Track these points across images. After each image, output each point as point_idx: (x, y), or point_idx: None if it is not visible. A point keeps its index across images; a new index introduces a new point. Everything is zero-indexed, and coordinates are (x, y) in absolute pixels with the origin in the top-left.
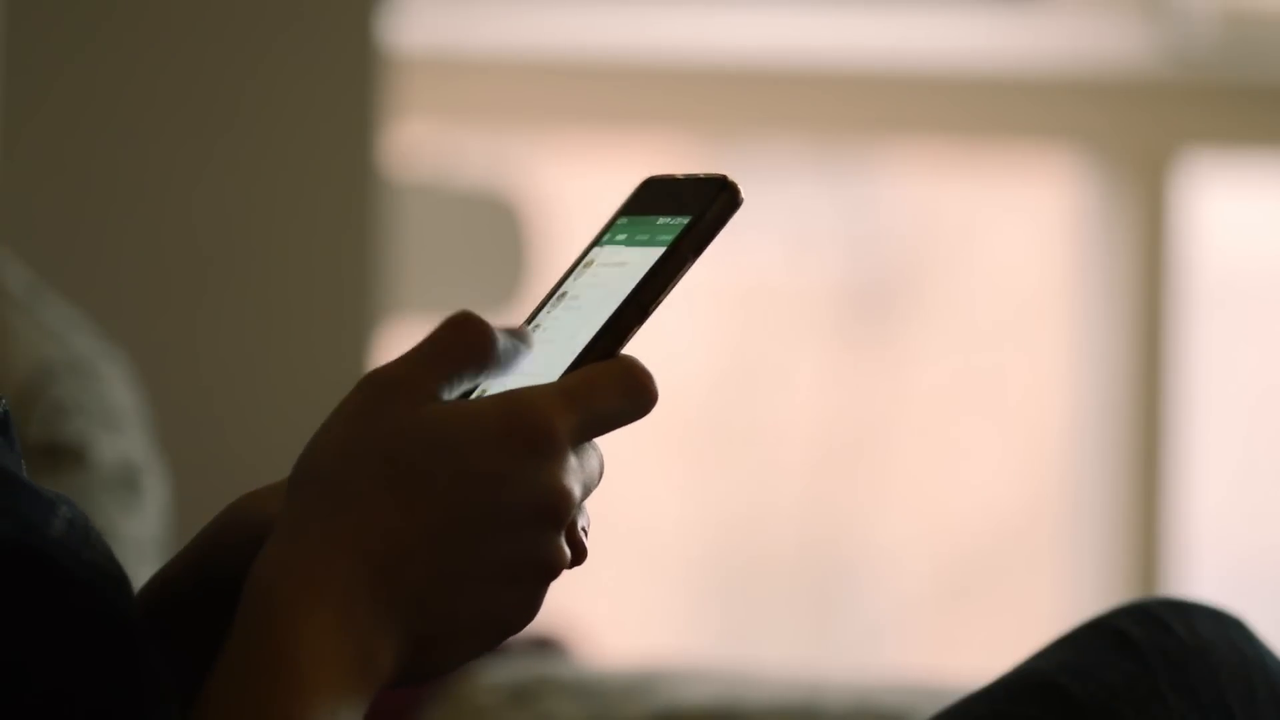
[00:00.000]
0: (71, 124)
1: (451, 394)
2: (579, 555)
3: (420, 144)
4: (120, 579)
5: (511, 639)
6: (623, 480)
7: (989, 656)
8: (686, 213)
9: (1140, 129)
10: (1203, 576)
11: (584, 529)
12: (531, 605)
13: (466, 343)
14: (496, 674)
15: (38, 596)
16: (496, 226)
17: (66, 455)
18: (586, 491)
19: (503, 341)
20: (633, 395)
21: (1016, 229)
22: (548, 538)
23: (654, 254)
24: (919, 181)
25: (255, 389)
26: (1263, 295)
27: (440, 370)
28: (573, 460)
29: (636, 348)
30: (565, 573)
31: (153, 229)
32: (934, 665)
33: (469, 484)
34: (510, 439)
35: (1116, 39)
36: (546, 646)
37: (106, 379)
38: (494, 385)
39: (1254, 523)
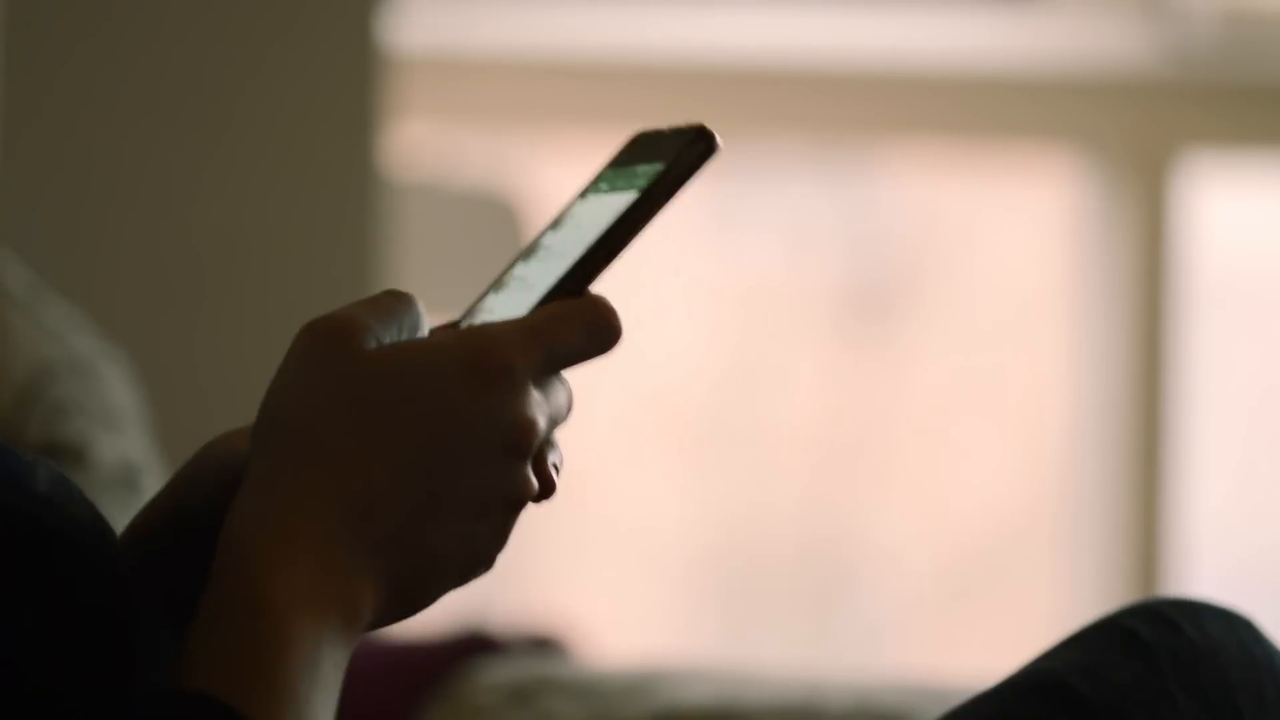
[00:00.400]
0: (71, 124)
1: (391, 338)
2: (547, 488)
3: (420, 144)
4: (106, 532)
5: (510, 638)
6: (623, 480)
7: (989, 656)
8: (663, 160)
9: (1140, 129)
10: (1203, 576)
11: (555, 465)
12: (502, 536)
13: (395, 295)
14: (496, 674)
15: (25, 554)
16: (496, 226)
17: (66, 455)
18: (553, 424)
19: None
20: (595, 331)
21: (1016, 229)
22: (514, 469)
23: (629, 198)
24: (919, 181)
25: (255, 389)
26: (1263, 295)
27: (375, 312)
28: (536, 394)
29: (634, 334)
30: (559, 565)
31: (153, 229)
32: (934, 665)
33: (433, 421)
34: (471, 374)
35: (1116, 39)
36: (546, 646)
37: (106, 379)
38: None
39: (1254, 522)
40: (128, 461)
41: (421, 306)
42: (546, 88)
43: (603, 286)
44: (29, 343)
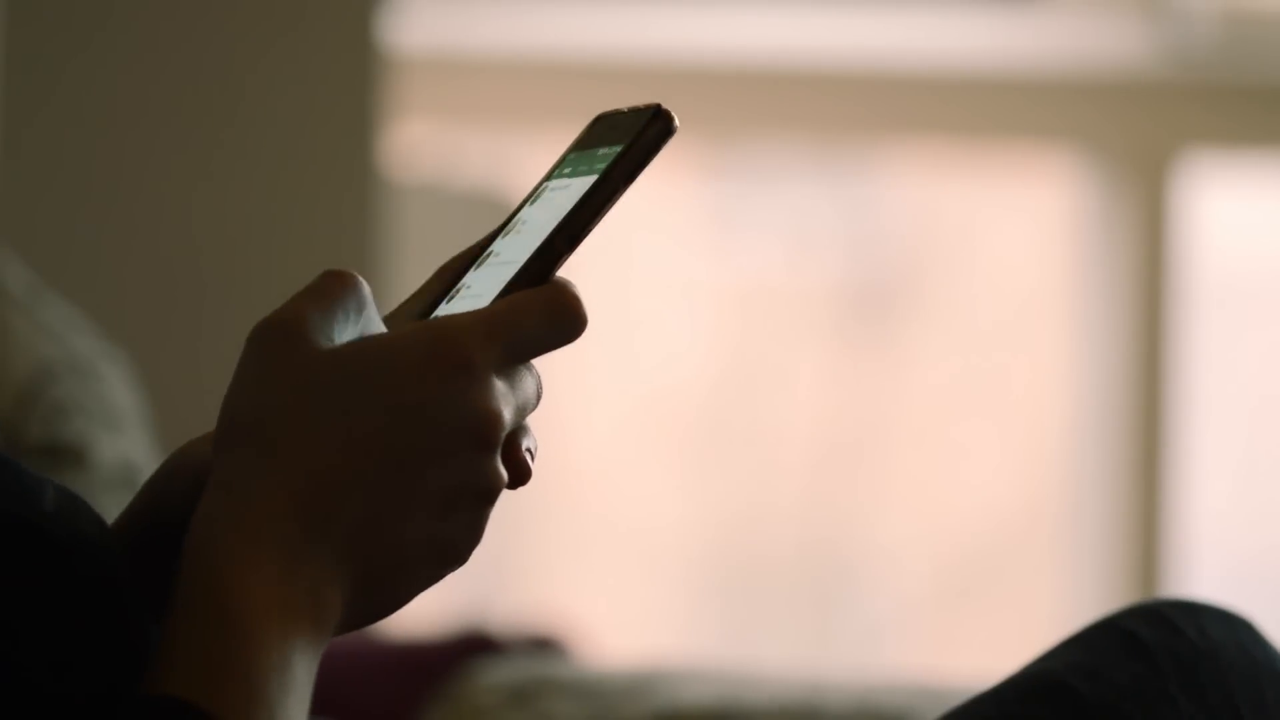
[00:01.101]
0: (71, 124)
1: (340, 330)
2: (520, 476)
3: (420, 144)
4: (112, 550)
5: (510, 638)
6: (623, 480)
7: (989, 656)
8: (622, 142)
9: (1140, 129)
10: (1203, 577)
11: (529, 450)
12: (474, 530)
13: (339, 280)
14: (496, 674)
15: (33, 567)
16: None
17: (66, 455)
18: (521, 413)
19: (370, 293)
20: (558, 319)
21: (1016, 229)
22: (481, 461)
23: (589, 182)
24: (919, 181)
25: None
26: (1263, 295)
27: (319, 303)
28: (499, 384)
29: (634, 335)
30: (559, 565)
31: (153, 229)
32: (934, 665)
33: (392, 416)
34: (430, 368)
35: (1116, 39)
36: (546, 646)
37: (106, 379)
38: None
39: (1254, 523)
40: (128, 461)
41: (366, 288)
42: (546, 88)
43: (595, 286)
44: (29, 343)
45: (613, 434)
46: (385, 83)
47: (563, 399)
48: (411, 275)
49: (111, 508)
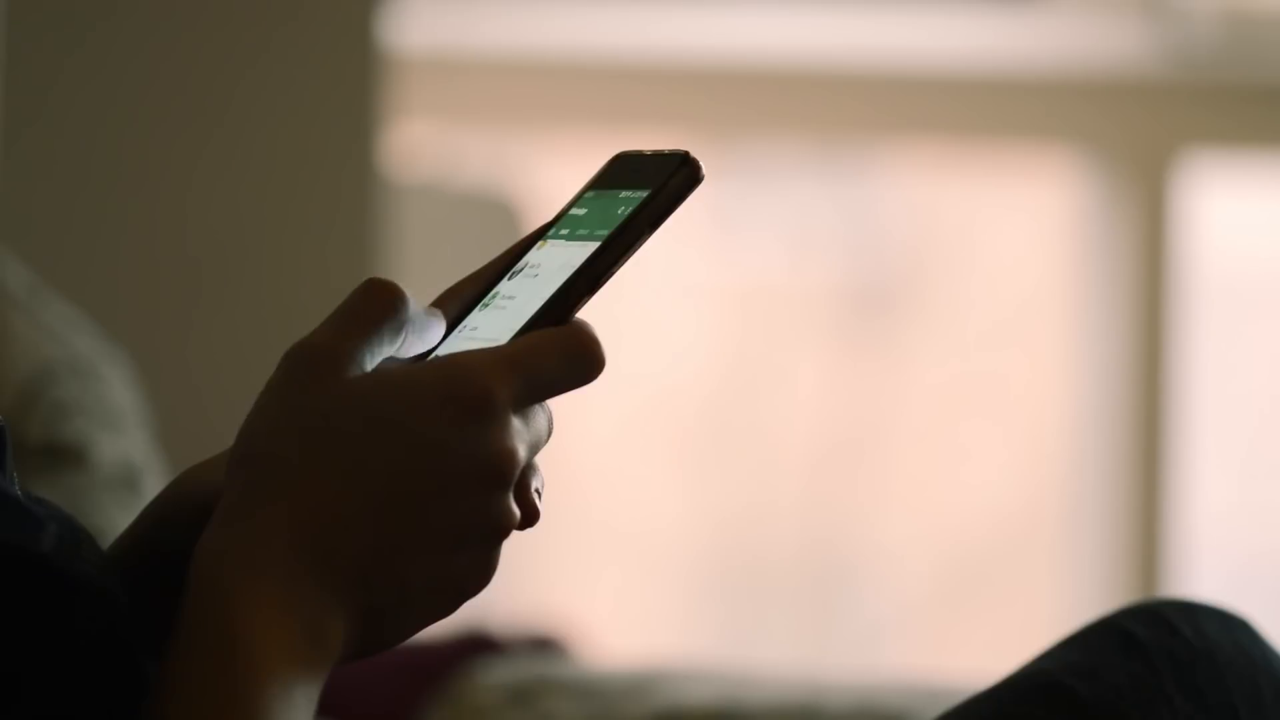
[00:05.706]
0: (71, 124)
1: (374, 359)
2: (530, 515)
3: (420, 144)
4: (112, 592)
5: (510, 638)
6: (624, 480)
7: (989, 656)
8: (647, 186)
9: (1140, 129)
10: (1203, 577)
11: (537, 490)
12: (484, 568)
13: (380, 302)
14: (496, 674)
15: (32, 601)
16: (496, 226)
17: (66, 455)
18: (534, 450)
19: (413, 304)
20: (576, 361)
21: (1016, 229)
22: (494, 500)
23: (612, 226)
24: (919, 181)
25: (255, 390)
26: (1263, 295)
27: (359, 333)
28: (516, 422)
29: (635, 335)
30: (560, 566)
31: (153, 229)
32: (934, 665)
33: (407, 453)
34: (448, 406)
35: (1116, 39)
36: (546, 646)
37: (106, 379)
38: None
39: (1255, 524)
40: (128, 461)
41: (408, 302)
42: (546, 88)
43: (597, 297)
44: (29, 343)
45: (613, 434)
46: (385, 83)
47: (563, 399)
48: (411, 275)
49: (112, 507)
